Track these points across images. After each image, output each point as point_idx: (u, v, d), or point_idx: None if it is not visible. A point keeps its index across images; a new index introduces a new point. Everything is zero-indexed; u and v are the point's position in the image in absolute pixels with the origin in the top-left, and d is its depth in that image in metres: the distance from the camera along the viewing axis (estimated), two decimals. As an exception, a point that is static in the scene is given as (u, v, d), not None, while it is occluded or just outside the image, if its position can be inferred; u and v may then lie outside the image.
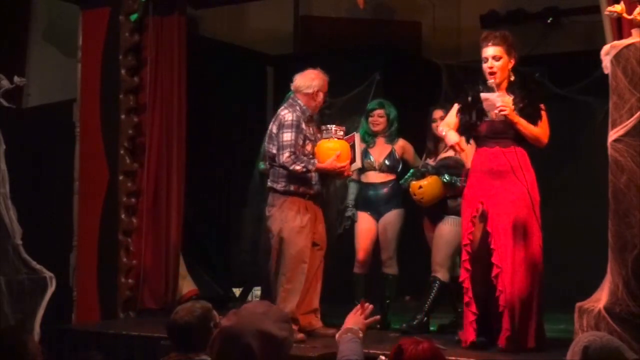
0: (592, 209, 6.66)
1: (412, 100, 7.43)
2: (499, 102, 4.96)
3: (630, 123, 4.41)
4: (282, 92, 7.09)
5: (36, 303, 6.04)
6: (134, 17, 6.83)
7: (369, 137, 6.25)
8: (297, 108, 5.70)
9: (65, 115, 7.46)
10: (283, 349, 2.55)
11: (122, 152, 6.84)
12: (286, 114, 5.67)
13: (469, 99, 5.17)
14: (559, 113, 7.61)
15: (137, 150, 6.86)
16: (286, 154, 5.56)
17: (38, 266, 6.14)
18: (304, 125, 5.68)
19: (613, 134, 4.48)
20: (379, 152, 6.24)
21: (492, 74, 5.04)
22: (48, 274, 6.14)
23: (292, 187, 5.66)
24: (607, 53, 4.54)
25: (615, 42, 4.55)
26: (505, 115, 4.95)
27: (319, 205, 5.80)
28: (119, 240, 6.78)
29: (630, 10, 4.46)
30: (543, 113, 5.10)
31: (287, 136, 5.59)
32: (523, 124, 5.00)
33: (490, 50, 5.05)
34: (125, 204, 6.80)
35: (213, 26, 8.78)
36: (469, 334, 5.08)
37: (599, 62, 4.62)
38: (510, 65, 5.09)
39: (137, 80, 6.88)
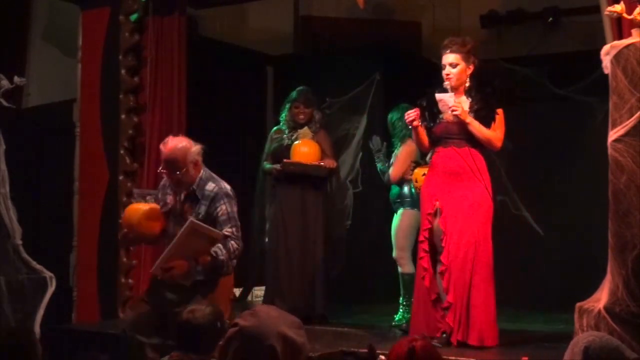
0: (592, 209, 6.66)
1: (412, 101, 7.42)
2: (451, 102, 5.11)
3: (630, 123, 4.41)
4: (282, 92, 7.10)
5: (36, 303, 6.04)
6: (134, 17, 6.83)
7: (395, 142, 6.39)
8: None
9: (65, 115, 7.46)
10: (301, 355, 2.55)
11: (122, 152, 6.83)
12: None
13: (424, 102, 5.30)
14: (559, 113, 7.66)
15: (137, 150, 6.85)
16: None
17: (38, 266, 6.15)
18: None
19: (613, 134, 4.48)
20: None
21: (448, 80, 5.21)
22: (48, 274, 6.14)
23: None
24: (607, 53, 4.54)
25: (615, 42, 4.55)
26: (457, 115, 5.07)
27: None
28: (119, 240, 6.77)
29: (630, 10, 4.46)
30: (498, 117, 5.19)
31: None
32: (475, 125, 5.12)
33: (448, 58, 5.22)
34: (125, 204, 6.76)
35: (213, 26, 8.78)
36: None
37: (599, 62, 4.62)
38: (469, 72, 5.23)
39: (137, 80, 6.87)
